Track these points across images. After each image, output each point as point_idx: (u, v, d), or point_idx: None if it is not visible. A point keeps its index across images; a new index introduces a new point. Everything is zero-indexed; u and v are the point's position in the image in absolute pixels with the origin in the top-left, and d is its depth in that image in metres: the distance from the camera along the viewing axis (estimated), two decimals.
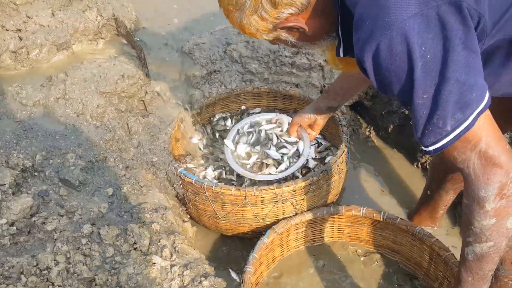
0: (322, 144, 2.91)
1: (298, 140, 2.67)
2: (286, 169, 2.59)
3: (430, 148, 1.34)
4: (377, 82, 1.35)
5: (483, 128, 1.30)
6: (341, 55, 1.56)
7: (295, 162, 2.61)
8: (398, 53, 1.24)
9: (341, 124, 2.71)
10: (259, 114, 2.91)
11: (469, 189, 1.38)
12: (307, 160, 2.68)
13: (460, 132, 1.28)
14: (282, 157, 2.65)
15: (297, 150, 2.65)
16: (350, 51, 1.51)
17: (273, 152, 2.65)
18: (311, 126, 2.59)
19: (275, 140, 2.72)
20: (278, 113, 2.88)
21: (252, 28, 1.47)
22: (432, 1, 1.22)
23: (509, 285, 1.87)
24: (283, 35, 1.52)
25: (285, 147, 2.68)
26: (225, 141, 2.73)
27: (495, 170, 1.32)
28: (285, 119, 2.79)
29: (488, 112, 1.31)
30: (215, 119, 3.12)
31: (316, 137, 2.84)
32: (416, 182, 2.92)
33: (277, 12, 1.41)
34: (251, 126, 2.85)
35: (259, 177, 2.55)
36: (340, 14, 1.45)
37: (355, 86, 2.32)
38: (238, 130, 2.82)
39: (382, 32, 1.23)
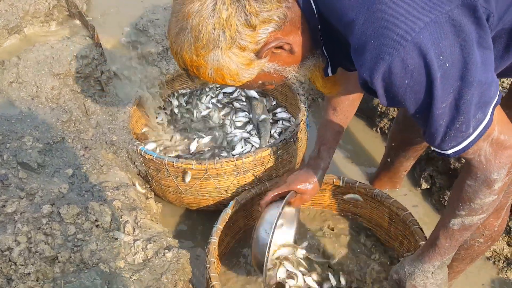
0: (283, 115, 2.97)
1: None
2: None
3: (450, 152, 1.30)
4: (387, 100, 1.25)
5: (496, 118, 1.27)
6: (330, 73, 1.45)
7: None
8: (415, 68, 1.14)
9: (298, 94, 2.74)
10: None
11: (479, 173, 1.36)
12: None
13: (481, 131, 1.25)
14: None
15: None
16: (334, 69, 1.44)
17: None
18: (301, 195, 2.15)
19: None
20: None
21: (233, 65, 1.27)
22: (444, 5, 1.13)
23: (475, 247, 1.93)
24: (267, 65, 1.32)
25: None
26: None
27: (507, 152, 1.31)
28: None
29: None
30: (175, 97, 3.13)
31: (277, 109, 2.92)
32: (376, 146, 2.98)
33: (256, 34, 1.23)
34: None
35: None
36: (320, 29, 1.33)
37: (347, 119, 2.09)
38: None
39: (393, 49, 1.13)
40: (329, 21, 1.26)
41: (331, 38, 1.32)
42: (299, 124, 2.54)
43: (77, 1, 3.29)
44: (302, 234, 2.43)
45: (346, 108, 2.02)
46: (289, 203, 2.07)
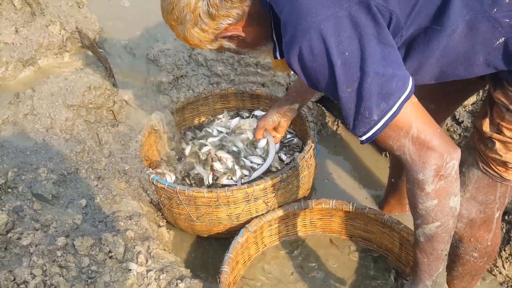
0: (293, 141, 2.99)
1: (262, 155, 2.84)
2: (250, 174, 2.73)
3: (363, 138, 1.43)
4: (307, 81, 1.45)
5: (411, 114, 1.39)
6: (278, 57, 1.69)
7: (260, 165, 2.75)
8: (318, 53, 1.34)
9: (307, 120, 2.77)
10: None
11: (409, 173, 1.46)
12: (276, 157, 2.82)
13: (387, 120, 1.37)
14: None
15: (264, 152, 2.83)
16: (282, 54, 1.61)
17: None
18: (275, 128, 2.70)
19: (242, 153, 2.86)
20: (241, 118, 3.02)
21: (196, 39, 1.60)
22: (344, 3, 1.33)
23: (471, 262, 1.95)
24: (226, 43, 1.65)
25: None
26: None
27: (429, 153, 1.40)
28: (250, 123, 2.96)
29: (414, 99, 1.40)
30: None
31: (286, 135, 2.95)
32: (385, 171, 2.96)
33: (216, 23, 1.55)
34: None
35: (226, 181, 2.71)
36: (272, 20, 1.59)
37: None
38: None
39: (302, 35, 1.34)
40: (275, 12, 1.50)
41: (279, 27, 1.50)
42: (309, 150, 2.57)
43: (90, 32, 3.36)
44: (311, 259, 2.45)
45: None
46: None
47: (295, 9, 1.37)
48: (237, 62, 3.26)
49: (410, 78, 1.38)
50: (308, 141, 2.63)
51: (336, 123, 3.37)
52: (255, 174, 2.70)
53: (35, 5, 3.32)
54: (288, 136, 3.03)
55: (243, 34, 1.60)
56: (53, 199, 2.34)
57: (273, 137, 2.75)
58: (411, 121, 1.39)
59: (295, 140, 3.01)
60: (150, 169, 2.72)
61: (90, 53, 3.33)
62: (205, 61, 3.28)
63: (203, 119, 3.27)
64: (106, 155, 2.65)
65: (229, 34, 1.59)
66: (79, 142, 2.62)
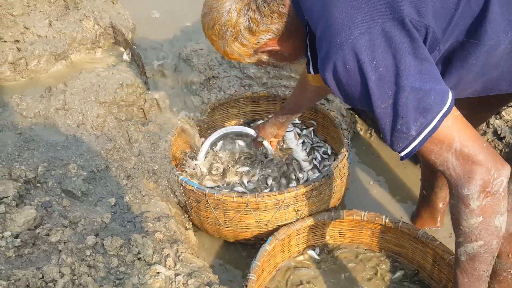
0: (324, 148, 2.95)
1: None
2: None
3: (402, 154, 1.41)
4: (342, 96, 1.46)
5: (453, 128, 1.36)
6: (312, 72, 1.71)
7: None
8: (352, 69, 1.35)
9: (341, 128, 2.72)
10: (228, 128, 3.06)
11: (453, 189, 1.42)
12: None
13: (426, 135, 1.34)
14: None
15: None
16: (316, 69, 1.64)
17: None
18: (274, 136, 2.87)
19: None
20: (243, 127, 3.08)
21: (235, 53, 1.67)
22: (377, 19, 1.34)
23: (509, 279, 1.88)
24: (264, 57, 1.71)
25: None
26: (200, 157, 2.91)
27: (475, 167, 1.36)
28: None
29: (456, 112, 1.37)
30: None
31: (318, 142, 2.92)
32: (419, 183, 2.92)
33: (256, 38, 1.61)
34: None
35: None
36: (307, 36, 1.63)
37: (308, 102, 2.60)
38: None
39: (336, 52, 1.36)
40: (312, 29, 1.53)
41: (315, 43, 1.53)
42: (342, 159, 2.51)
43: (123, 29, 3.34)
44: (339, 271, 2.40)
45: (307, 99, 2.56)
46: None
47: (329, 26, 1.39)
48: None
49: (450, 92, 1.35)
50: (342, 149, 2.58)
51: (369, 131, 3.31)
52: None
53: None
54: (321, 143, 2.99)
55: (281, 49, 1.66)
56: (82, 196, 2.32)
57: (269, 142, 2.92)
58: (453, 135, 1.36)
59: (327, 148, 2.97)
60: (178, 170, 2.68)
61: (122, 49, 3.31)
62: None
63: (233, 122, 3.24)
64: (135, 154, 2.62)
65: (268, 48, 1.65)
66: (110, 140, 2.59)
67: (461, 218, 1.44)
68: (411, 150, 1.38)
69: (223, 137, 3.02)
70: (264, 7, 1.55)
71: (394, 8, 1.34)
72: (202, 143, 2.96)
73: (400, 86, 1.31)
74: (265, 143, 2.89)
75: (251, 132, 2.98)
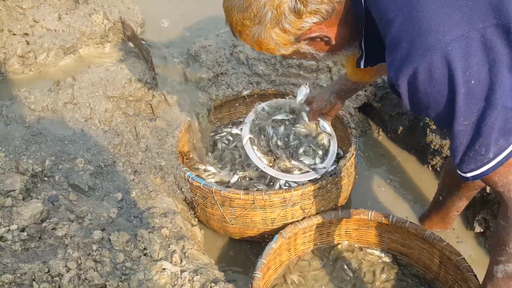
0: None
1: (325, 144, 2.62)
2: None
3: (469, 175, 1.30)
4: (410, 104, 1.29)
5: None
6: (362, 66, 1.52)
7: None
8: (439, 78, 1.18)
9: (349, 127, 2.70)
10: (268, 102, 2.75)
11: (509, 211, 1.35)
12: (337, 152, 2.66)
13: (502, 159, 1.24)
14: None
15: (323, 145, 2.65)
16: (370, 63, 1.49)
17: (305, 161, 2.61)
18: (326, 113, 2.52)
19: (301, 148, 2.65)
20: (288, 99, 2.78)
21: (272, 42, 1.40)
22: (477, 23, 1.15)
23: None
24: (304, 47, 1.45)
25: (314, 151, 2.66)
26: (243, 134, 2.61)
27: None
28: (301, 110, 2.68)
29: None
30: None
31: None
32: (427, 184, 2.90)
33: (301, 22, 1.34)
34: (261, 118, 2.71)
35: (291, 176, 2.51)
36: (364, 26, 1.40)
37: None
38: (253, 120, 2.69)
39: (421, 55, 1.17)
40: (372, 18, 1.33)
41: (372, 34, 1.37)
42: (350, 158, 2.50)
43: (132, 24, 3.34)
44: (344, 270, 2.39)
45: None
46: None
47: (413, 22, 1.19)
48: (279, 63, 3.21)
49: None
50: (350, 148, 2.56)
51: (377, 131, 3.29)
52: (326, 167, 2.53)
53: None
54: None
55: (329, 35, 1.40)
56: (89, 191, 2.32)
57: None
58: None
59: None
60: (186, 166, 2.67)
61: (131, 44, 3.31)
62: (246, 60, 3.23)
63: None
64: (143, 149, 2.62)
65: (313, 35, 1.39)
66: (117, 135, 2.59)
67: (509, 240, 1.38)
68: (481, 172, 1.28)
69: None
70: None
71: (500, 12, 1.15)
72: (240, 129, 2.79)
73: (491, 104, 1.17)
74: (322, 120, 2.55)
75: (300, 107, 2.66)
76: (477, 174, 1.28)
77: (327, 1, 1.32)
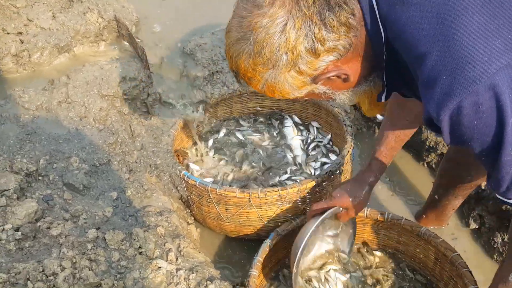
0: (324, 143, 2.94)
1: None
2: None
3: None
4: (451, 138, 1.23)
5: None
6: (383, 100, 1.46)
7: None
8: (487, 110, 1.12)
9: (345, 124, 2.71)
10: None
11: None
12: None
13: None
14: None
15: None
16: (389, 95, 1.43)
17: None
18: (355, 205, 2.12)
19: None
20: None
21: (287, 86, 1.30)
22: None
23: None
24: (320, 88, 1.35)
25: None
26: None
27: None
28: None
29: None
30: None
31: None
32: (423, 181, 2.91)
33: (318, 61, 1.25)
34: None
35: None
36: (385, 57, 1.31)
37: (407, 136, 2.05)
38: None
39: (466, 88, 1.11)
40: (396, 50, 1.25)
41: (394, 66, 1.30)
42: (345, 156, 2.50)
43: (127, 22, 3.32)
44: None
45: (405, 125, 1.99)
46: (336, 217, 2.11)
47: (452, 53, 1.12)
48: None
49: None
50: (345, 146, 2.56)
51: (372, 128, 3.29)
52: None
53: None
54: (325, 140, 2.97)
55: (348, 72, 1.30)
56: (84, 190, 2.31)
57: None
58: None
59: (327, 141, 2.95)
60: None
61: (126, 43, 3.29)
62: None
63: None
64: (138, 148, 2.61)
65: (331, 74, 1.29)
66: (112, 133, 2.58)
67: None
68: None
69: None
70: (332, 19, 1.19)
71: None
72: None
73: None
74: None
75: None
76: None
77: (344, 36, 1.22)
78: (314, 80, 1.30)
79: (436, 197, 2.54)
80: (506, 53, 1.09)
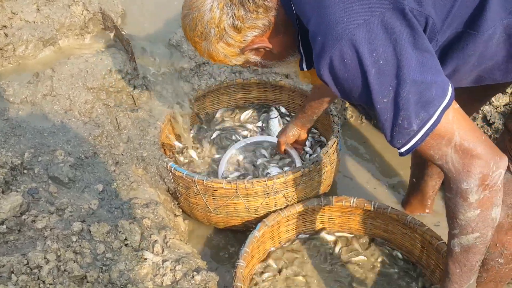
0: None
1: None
2: None
3: (402, 150, 1.35)
4: (339, 92, 1.40)
5: (454, 122, 1.32)
6: (305, 69, 1.63)
7: None
8: (350, 62, 1.29)
9: (331, 114, 2.71)
10: (247, 139, 2.98)
11: (451, 183, 1.39)
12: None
13: (427, 129, 1.30)
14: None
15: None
16: (311, 65, 1.58)
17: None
18: (296, 141, 2.72)
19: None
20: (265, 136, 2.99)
21: (221, 54, 1.56)
22: (376, 9, 1.27)
23: (496, 268, 1.88)
24: (252, 57, 1.60)
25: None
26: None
27: (474, 161, 1.33)
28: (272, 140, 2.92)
29: (455, 105, 1.33)
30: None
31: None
32: (409, 169, 2.89)
33: (242, 36, 1.50)
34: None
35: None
36: (299, 31, 1.53)
37: (328, 98, 2.44)
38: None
39: (332, 45, 1.28)
40: (302, 22, 1.45)
41: (306, 38, 1.45)
42: (332, 145, 2.50)
43: (113, 14, 3.30)
44: (328, 258, 2.40)
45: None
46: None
47: (323, 18, 1.32)
48: None
49: (450, 84, 1.31)
50: (332, 136, 2.57)
51: (360, 118, 3.30)
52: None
53: None
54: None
55: (270, 46, 1.55)
56: (69, 183, 2.30)
57: (296, 148, 2.76)
58: (453, 128, 1.32)
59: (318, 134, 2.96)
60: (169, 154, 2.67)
61: (111, 35, 3.27)
62: None
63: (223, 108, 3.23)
64: (124, 141, 2.60)
65: (255, 46, 1.54)
66: (98, 126, 2.57)
67: (458, 211, 1.42)
68: (412, 145, 1.33)
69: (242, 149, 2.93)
70: (249, 2, 1.44)
71: None
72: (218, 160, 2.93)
73: (401, 80, 1.25)
74: (289, 148, 2.74)
75: (273, 139, 2.89)
76: (409, 148, 1.34)
77: (263, 16, 1.47)
78: (243, 51, 1.55)
79: (414, 180, 2.57)
80: (362, 13, 1.27)
